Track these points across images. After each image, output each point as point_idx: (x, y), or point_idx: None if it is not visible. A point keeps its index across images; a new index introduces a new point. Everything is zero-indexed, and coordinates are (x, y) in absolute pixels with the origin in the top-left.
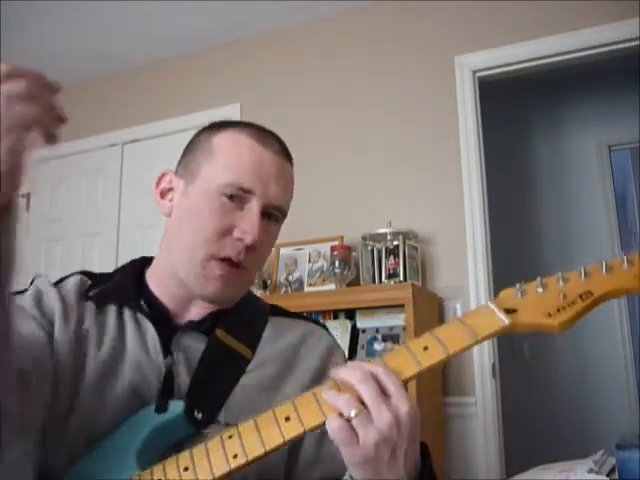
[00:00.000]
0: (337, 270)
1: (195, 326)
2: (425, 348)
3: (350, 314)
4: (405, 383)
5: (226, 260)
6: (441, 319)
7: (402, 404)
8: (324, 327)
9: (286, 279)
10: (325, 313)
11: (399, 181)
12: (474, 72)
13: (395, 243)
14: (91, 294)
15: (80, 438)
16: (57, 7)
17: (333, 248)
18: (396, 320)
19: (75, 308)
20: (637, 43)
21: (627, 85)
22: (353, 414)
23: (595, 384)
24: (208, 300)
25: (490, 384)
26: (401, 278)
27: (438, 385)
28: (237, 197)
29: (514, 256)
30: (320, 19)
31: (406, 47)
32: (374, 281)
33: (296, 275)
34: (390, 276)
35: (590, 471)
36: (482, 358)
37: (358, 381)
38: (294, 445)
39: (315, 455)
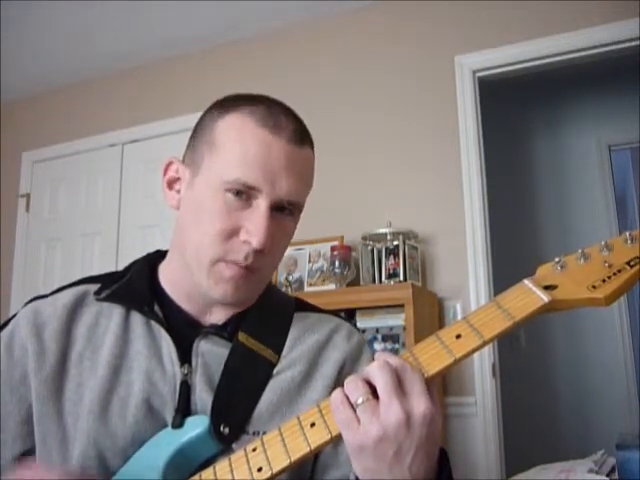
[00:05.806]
0: (337, 270)
1: (217, 330)
2: (458, 336)
3: (350, 314)
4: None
5: (234, 263)
6: (441, 319)
7: (419, 403)
8: (352, 324)
9: (286, 279)
10: None
11: (399, 181)
12: (474, 72)
13: (395, 243)
14: (102, 296)
15: (90, 465)
16: (57, 7)
17: (333, 248)
18: (396, 320)
19: (59, 332)
20: (637, 43)
21: (627, 85)
22: (360, 401)
23: (595, 384)
24: (222, 303)
25: (490, 384)
26: (401, 278)
27: (438, 385)
28: (243, 193)
29: (514, 256)
30: (320, 19)
31: (406, 47)
32: (374, 281)
33: (296, 275)
34: (390, 276)
35: (590, 471)
36: (482, 358)
37: (375, 369)
38: None
39: (332, 456)
